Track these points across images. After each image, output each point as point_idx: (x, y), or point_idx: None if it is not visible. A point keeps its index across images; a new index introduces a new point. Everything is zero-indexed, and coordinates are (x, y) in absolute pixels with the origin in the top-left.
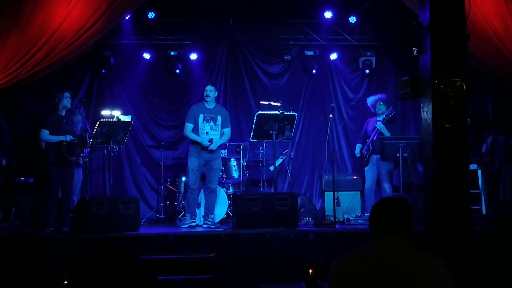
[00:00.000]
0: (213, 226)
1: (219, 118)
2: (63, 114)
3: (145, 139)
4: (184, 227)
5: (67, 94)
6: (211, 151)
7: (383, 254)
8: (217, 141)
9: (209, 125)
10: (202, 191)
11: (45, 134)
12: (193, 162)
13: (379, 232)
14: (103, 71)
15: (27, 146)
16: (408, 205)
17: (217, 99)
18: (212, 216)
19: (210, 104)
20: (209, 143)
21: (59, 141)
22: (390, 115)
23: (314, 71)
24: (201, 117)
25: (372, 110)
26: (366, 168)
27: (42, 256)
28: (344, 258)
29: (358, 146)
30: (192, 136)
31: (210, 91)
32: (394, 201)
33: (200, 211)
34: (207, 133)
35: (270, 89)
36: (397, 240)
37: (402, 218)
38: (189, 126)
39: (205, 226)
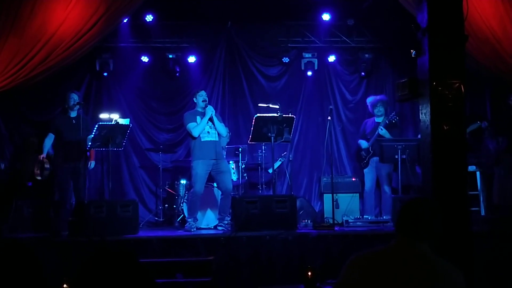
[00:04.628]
0: (230, 229)
1: (214, 118)
2: (72, 115)
3: (144, 142)
4: (193, 232)
5: (72, 95)
6: (217, 158)
7: (401, 255)
8: (216, 123)
9: (208, 125)
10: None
11: (49, 138)
12: (200, 168)
13: (406, 233)
14: (101, 74)
15: (26, 150)
16: (439, 208)
17: (215, 102)
18: (228, 218)
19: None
20: (212, 109)
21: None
22: (393, 121)
23: (312, 73)
24: (198, 119)
25: (371, 110)
26: (365, 170)
27: (34, 263)
28: (363, 255)
29: (362, 142)
30: (199, 125)
31: (206, 96)
32: (426, 203)
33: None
34: (208, 132)
35: (268, 92)
36: (420, 243)
37: (433, 222)
38: (194, 124)
39: (220, 228)
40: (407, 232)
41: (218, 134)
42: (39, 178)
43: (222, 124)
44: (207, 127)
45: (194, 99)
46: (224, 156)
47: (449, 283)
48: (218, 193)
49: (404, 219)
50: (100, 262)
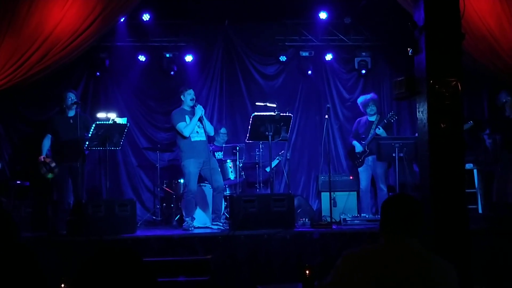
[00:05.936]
0: (227, 227)
1: (203, 117)
2: (70, 115)
3: (141, 141)
4: (191, 230)
5: (69, 94)
6: (207, 157)
7: (395, 252)
8: (206, 123)
9: (196, 125)
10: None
11: (46, 139)
12: (192, 166)
13: (391, 230)
14: (98, 73)
15: (24, 150)
16: (419, 203)
17: (212, 101)
18: (223, 216)
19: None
20: (201, 109)
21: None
22: (392, 120)
23: (309, 72)
24: (187, 118)
25: (363, 109)
26: (360, 169)
27: (34, 265)
28: (356, 252)
29: (357, 144)
30: (189, 125)
31: (194, 94)
32: (407, 199)
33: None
34: (197, 132)
35: (265, 90)
36: (409, 239)
37: (414, 217)
38: (184, 124)
39: (215, 227)
40: (396, 229)
41: (205, 133)
42: (50, 176)
43: (209, 122)
44: (195, 127)
45: (182, 96)
46: (222, 155)
47: (442, 277)
48: (208, 192)
49: (393, 216)
50: (102, 261)
